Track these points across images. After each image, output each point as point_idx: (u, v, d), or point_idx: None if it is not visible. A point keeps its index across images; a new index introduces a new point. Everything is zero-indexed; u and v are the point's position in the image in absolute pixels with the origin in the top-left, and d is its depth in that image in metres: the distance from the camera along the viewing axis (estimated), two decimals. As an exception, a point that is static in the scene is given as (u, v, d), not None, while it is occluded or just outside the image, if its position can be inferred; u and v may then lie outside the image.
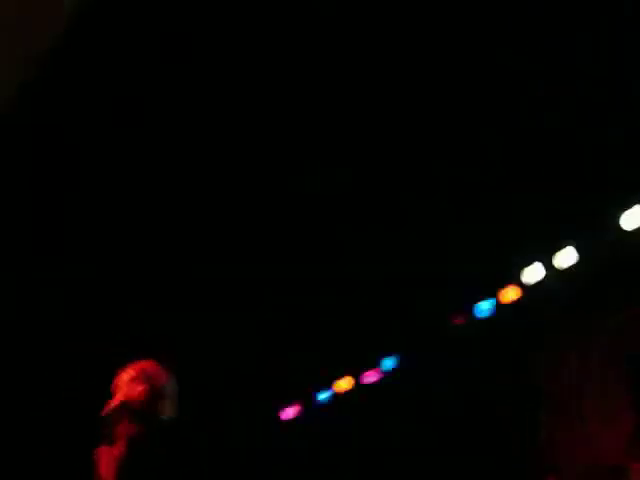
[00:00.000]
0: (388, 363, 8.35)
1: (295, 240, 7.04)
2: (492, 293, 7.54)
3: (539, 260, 7.25)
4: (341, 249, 7.15)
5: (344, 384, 8.62)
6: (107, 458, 3.66)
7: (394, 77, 5.72)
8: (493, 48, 5.51)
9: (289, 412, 9.01)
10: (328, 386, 8.71)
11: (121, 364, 4.03)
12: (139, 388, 3.81)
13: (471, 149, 6.31)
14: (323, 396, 8.82)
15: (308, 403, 8.91)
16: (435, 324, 7.83)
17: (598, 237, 6.90)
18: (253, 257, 7.17)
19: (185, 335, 7.48)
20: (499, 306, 7.54)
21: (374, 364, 8.40)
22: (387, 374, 8.38)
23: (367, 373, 8.48)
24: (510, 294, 7.47)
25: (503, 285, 7.45)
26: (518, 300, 7.46)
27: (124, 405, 3.72)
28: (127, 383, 3.83)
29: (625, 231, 6.70)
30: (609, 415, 7.45)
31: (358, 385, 8.58)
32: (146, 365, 3.98)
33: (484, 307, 7.64)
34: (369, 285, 7.39)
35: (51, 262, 6.90)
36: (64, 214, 6.57)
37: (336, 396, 8.70)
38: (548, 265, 7.21)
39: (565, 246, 7.07)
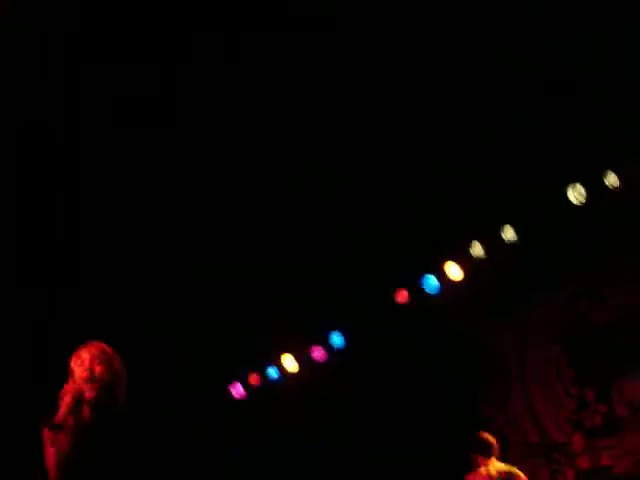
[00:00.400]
0: (336, 340, 8.29)
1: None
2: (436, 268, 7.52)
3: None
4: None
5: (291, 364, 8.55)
6: (61, 445, 3.54)
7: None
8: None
9: (238, 389, 8.92)
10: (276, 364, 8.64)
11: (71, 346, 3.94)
12: (100, 369, 3.67)
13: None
14: (273, 373, 8.75)
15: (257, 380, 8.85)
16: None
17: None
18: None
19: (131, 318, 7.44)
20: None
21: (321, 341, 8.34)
22: (335, 351, 8.32)
23: (315, 349, 8.41)
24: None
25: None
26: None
27: (81, 395, 3.57)
28: (87, 363, 3.68)
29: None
30: (552, 390, 7.49)
31: (306, 362, 8.51)
32: (104, 346, 3.84)
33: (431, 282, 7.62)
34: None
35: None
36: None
37: (285, 374, 8.64)
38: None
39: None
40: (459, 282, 7.42)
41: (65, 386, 3.63)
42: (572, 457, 6.91)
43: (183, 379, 8.27)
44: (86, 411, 3.59)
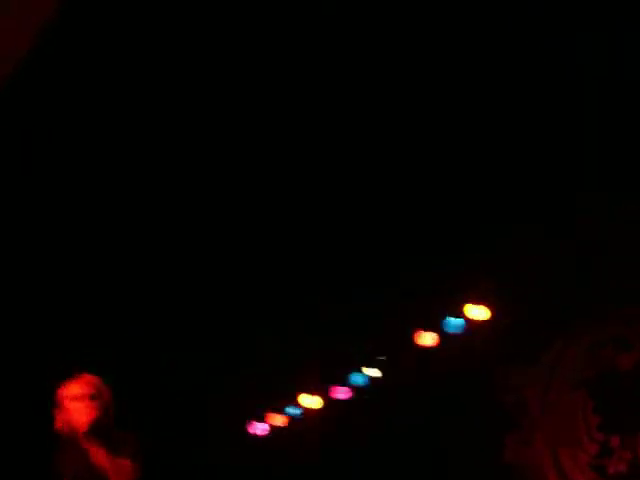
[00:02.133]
0: (357, 379, 8.24)
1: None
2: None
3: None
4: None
5: (313, 401, 8.49)
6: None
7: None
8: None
9: (259, 427, 8.89)
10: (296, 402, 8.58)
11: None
12: (95, 406, 3.86)
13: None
14: (293, 412, 8.70)
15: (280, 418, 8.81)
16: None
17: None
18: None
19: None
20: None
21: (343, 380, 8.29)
22: (357, 389, 8.27)
23: (336, 389, 8.37)
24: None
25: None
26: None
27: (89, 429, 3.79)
28: (80, 400, 3.86)
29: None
30: (576, 436, 7.41)
31: (329, 401, 8.47)
32: (94, 380, 3.97)
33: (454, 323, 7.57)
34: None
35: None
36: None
37: (306, 412, 8.59)
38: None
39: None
40: (484, 324, 7.38)
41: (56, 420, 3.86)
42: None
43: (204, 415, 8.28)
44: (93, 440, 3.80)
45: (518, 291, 7.20)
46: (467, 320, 7.44)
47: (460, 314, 7.44)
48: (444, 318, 7.54)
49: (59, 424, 3.91)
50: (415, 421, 8.03)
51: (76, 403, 3.87)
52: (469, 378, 7.70)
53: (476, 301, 7.33)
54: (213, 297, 7.37)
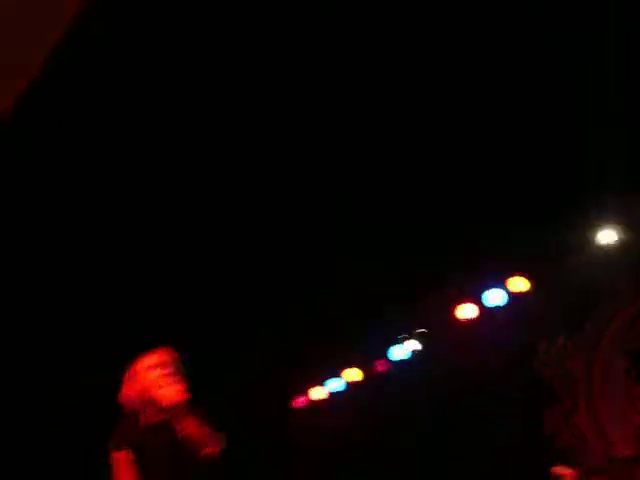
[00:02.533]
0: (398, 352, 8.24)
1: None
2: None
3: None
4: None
5: (353, 375, 8.53)
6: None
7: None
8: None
9: (300, 401, 8.92)
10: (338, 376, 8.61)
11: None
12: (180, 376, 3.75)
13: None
14: (335, 385, 8.72)
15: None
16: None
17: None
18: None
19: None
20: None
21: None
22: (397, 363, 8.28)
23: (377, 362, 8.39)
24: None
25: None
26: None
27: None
28: (166, 369, 3.76)
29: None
30: (620, 405, 7.40)
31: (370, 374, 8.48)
32: (170, 351, 3.91)
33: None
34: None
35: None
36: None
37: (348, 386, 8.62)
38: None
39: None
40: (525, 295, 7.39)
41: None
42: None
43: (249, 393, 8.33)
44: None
45: (558, 262, 7.21)
46: (509, 293, 7.45)
47: (501, 286, 7.46)
48: (484, 290, 7.56)
49: (131, 396, 3.79)
50: (453, 395, 8.04)
51: (162, 373, 3.74)
52: (510, 351, 7.70)
53: (517, 273, 7.34)
54: (258, 275, 7.42)
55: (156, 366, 3.78)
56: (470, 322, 7.76)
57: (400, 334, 8.17)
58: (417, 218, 6.98)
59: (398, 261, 7.25)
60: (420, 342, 8.10)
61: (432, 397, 8.14)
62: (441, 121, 6.22)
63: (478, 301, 7.66)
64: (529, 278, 7.40)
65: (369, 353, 8.40)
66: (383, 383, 8.43)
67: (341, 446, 8.52)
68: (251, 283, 7.47)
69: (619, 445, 7.34)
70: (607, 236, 6.96)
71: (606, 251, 7.02)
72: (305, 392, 8.89)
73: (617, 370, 7.44)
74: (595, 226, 6.96)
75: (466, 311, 7.75)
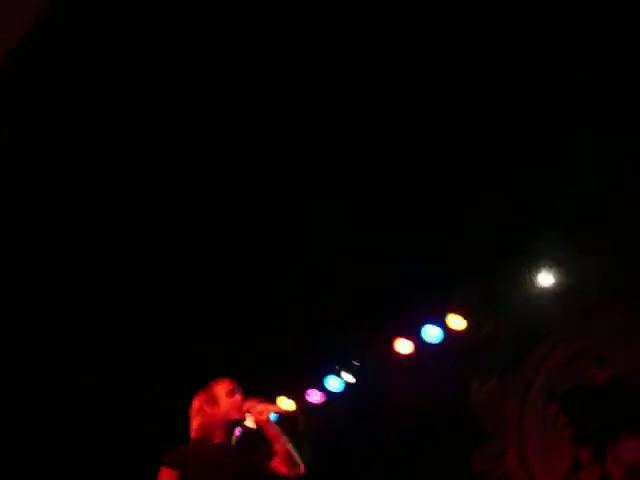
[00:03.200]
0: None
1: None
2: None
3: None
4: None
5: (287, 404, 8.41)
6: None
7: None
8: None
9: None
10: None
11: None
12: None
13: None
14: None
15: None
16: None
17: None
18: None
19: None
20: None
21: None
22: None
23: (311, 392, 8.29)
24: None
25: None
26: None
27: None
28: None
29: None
30: (548, 449, 7.43)
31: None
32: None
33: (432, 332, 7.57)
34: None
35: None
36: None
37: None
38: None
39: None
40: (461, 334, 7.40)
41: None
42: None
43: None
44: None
45: (498, 303, 7.25)
46: (446, 329, 7.46)
47: (439, 323, 7.46)
48: (422, 326, 7.56)
49: (211, 420, 4.08)
50: (383, 429, 7.98)
51: (241, 397, 4.12)
52: (443, 389, 7.69)
53: (456, 311, 7.36)
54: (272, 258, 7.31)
55: (234, 391, 4.14)
56: (406, 357, 7.74)
57: (336, 365, 8.10)
58: (359, 250, 6.96)
59: (334, 291, 7.22)
60: (354, 375, 8.04)
61: (361, 431, 8.07)
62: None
63: (415, 336, 7.65)
64: (466, 316, 7.41)
65: (304, 382, 8.30)
66: (316, 414, 8.33)
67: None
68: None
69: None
70: (545, 277, 7.01)
71: (544, 292, 7.06)
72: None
73: (547, 415, 7.48)
74: (534, 267, 7.00)
75: (403, 346, 7.72)
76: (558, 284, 6.97)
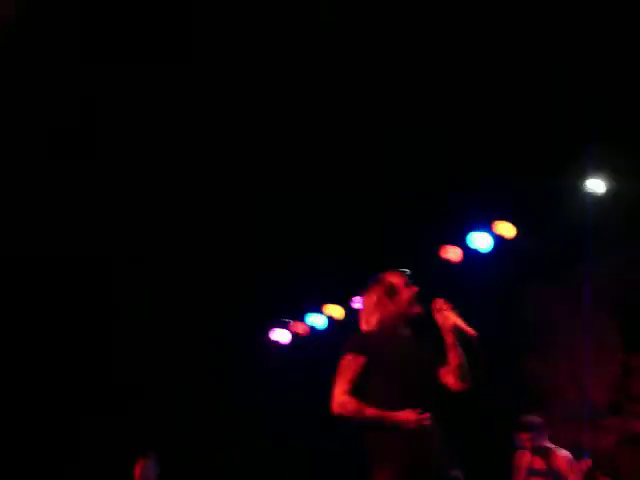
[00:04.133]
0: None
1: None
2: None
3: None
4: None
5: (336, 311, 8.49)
6: None
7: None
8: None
9: (281, 334, 8.85)
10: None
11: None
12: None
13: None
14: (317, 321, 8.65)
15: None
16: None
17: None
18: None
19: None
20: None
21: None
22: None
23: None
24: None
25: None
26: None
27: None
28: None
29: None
30: (598, 354, 7.42)
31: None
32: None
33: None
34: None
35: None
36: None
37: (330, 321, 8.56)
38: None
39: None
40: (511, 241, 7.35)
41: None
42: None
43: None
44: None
45: (547, 210, 7.16)
46: (496, 236, 7.41)
47: (488, 231, 7.41)
48: (470, 233, 7.51)
49: (394, 313, 3.96)
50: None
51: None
52: (493, 294, 7.68)
53: (504, 218, 7.30)
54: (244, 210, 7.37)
55: (409, 283, 3.91)
56: (454, 263, 7.71)
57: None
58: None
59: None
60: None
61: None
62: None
63: (463, 244, 7.62)
64: (515, 223, 7.35)
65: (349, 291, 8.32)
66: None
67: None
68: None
69: (596, 395, 7.39)
70: (595, 184, 6.91)
71: (593, 198, 6.97)
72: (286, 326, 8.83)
73: (599, 320, 7.46)
74: (584, 175, 6.90)
75: (451, 253, 7.69)
76: (607, 191, 6.86)
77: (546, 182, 7.04)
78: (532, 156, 6.79)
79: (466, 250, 7.56)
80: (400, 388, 3.67)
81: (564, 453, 5.63)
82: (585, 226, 7.22)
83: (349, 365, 3.76)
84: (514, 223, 7.35)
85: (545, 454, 5.62)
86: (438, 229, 7.57)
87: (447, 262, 7.62)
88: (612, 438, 6.76)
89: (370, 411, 3.62)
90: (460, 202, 7.28)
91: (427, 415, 3.56)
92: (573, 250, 7.32)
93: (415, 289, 3.82)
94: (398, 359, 3.73)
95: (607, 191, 6.89)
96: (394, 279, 3.91)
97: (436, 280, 7.58)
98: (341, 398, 3.70)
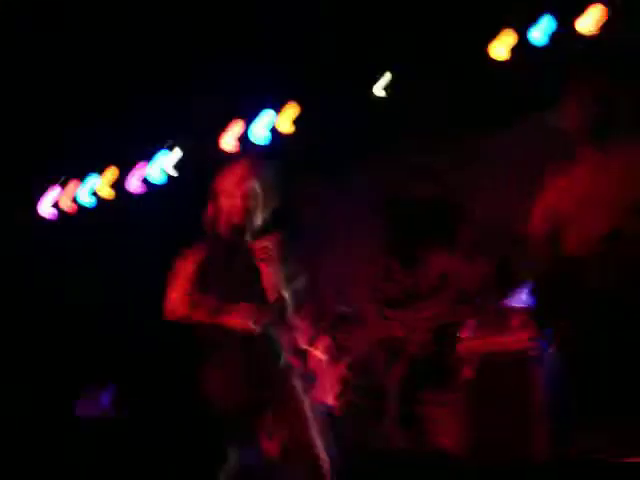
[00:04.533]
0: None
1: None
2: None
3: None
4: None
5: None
6: None
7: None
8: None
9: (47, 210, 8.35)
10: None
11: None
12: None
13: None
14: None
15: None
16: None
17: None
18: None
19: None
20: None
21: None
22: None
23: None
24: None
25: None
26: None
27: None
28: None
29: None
30: (360, 258, 7.58)
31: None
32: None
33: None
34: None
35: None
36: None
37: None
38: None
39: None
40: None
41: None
42: (369, 324, 7.01)
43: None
44: None
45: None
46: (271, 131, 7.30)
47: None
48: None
49: (210, 216, 3.81)
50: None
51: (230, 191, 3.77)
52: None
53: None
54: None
55: (237, 184, 3.77)
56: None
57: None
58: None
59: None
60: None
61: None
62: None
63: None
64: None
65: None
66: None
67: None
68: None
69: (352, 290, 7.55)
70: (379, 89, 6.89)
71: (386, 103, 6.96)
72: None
73: (367, 221, 7.61)
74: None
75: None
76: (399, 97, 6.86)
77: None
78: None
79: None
80: (232, 295, 3.61)
81: (320, 354, 5.75)
82: (361, 127, 7.24)
83: (183, 269, 3.69)
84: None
85: (302, 355, 5.72)
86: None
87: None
88: (367, 341, 6.94)
89: (200, 315, 3.56)
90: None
91: (258, 321, 3.52)
92: (346, 151, 7.35)
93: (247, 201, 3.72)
94: (230, 266, 3.66)
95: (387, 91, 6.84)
96: (224, 183, 3.78)
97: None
98: (172, 304, 3.63)
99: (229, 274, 3.75)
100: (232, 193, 3.74)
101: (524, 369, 4.99)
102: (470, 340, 5.49)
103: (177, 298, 3.69)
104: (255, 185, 3.78)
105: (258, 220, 3.80)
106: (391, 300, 7.47)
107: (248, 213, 3.70)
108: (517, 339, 5.13)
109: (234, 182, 3.78)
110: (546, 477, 4.18)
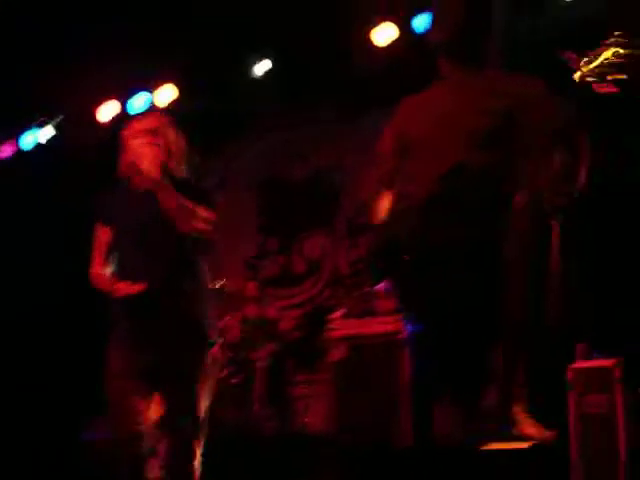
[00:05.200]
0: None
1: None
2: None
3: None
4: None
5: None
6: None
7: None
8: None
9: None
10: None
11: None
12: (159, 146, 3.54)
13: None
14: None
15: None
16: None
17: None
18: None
19: None
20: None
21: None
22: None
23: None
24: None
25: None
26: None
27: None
28: (143, 138, 3.54)
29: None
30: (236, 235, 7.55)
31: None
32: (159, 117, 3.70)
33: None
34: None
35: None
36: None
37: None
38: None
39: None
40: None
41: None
42: (242, 302, 6.95)
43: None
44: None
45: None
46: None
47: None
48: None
49: (123, 168, 3.60)
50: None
51: (139, 141, 3.54)
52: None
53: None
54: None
55: (140, 133, 3.56)
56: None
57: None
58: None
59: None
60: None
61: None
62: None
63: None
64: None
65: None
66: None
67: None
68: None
69: (232, 268, 7.52)
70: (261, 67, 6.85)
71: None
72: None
73: (244, 200, 7.56)
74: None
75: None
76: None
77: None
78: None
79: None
80: (133, 251, 3.51)
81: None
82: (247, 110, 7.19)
83: (99, 236, 3.61)
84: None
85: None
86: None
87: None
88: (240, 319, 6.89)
89: (102, 283, 3.52)
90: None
91: (141, 286, 3.40)
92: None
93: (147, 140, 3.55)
94: (132, 220, 3.56)
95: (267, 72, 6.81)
96: (125, 130, 3.65)
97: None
98: (92, 273, 3.57)
99: (135, 220, 3.64)
100: (140, 141, 3.63)
101: (391, 353, 5.04)
102: (340, 322, 5.50)
103: (93, 274, 3.64)
104: (165, 134, 3.69)
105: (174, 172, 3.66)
106: (268, 278, 7.47)
107: (157, 160, 3.58)
108: (384, 322, 5.17)
109: (141, 130, 3.68)
110: (402, 462, 4.20)
